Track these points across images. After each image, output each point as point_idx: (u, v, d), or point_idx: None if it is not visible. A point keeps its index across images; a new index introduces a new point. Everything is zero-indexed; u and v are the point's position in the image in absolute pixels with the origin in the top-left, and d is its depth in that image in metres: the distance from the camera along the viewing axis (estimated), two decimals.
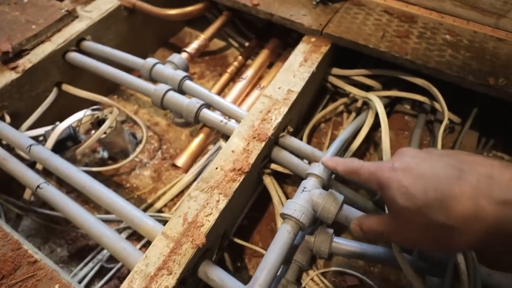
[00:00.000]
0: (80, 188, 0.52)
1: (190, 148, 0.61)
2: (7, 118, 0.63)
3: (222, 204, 0.45)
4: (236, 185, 0.47)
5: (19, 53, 0.66)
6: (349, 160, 0.37)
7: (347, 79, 0.74)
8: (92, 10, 0.76)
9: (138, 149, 0.70)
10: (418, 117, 0.71)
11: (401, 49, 0.61)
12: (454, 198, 0.26)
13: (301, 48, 0.66)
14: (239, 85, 0.71)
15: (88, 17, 0.74)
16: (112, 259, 0.62)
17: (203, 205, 0.45)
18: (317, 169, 0.49)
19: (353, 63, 0.77)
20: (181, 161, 0.59)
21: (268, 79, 0.74)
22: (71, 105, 0.77)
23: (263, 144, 0.52)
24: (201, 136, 0.62)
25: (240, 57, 0.81)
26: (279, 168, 0.58)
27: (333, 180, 0.54)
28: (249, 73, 0.73)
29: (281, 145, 0.57)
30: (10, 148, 0.62)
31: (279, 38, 0.81)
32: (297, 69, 0.62)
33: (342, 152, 0.65)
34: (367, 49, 0.62)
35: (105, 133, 0.67)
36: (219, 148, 0.71)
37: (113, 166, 0.70)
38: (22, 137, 0.58)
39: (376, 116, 0.63)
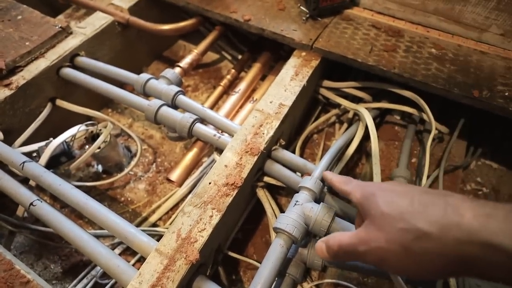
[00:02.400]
0: (74, 205, 0.52)
1: (184, 162, 0.61)
2: (0, 135, 0.63)
3: (215, 220, 0.46)
4: (229, 200, 0.48)
5: (13, 69, 0.66)
6: (344, 176, 0.40)
7: (338, 91, 0.76)
8: (86, 26, 0.77)
9: (133, 163, 0.71)
10: (408, 128, 0.73)
11: (389, 63, 0.63)
12: (439, 207, 0.26)
13: (292, 62, 0.67)
14: (232, 99, 0.72)
15: (82, 33, 0.75)
16: (106, 274, 0.61)
17: (196, 221, 0.46)
18: (308, 182, 0.50)
19: (345, 75, 0.79)
20: (175, 175, 0.60)
21: (261, 92, 0.75)
22: (65, 119, 0.78)
23: (255, 158, 0.52)
24: (194, 150, 0.63)
25: (233, 70, 0.82)
26: (272, 181, 0.58)
27: (325, 193, 0.55)
28: (241, 86, 0.74)
29: (273, 158, 0.58)
30: (2, 164, 0.62)
31: (271, 51, 0.83)
32: (288, 83, 0.63)
33: (334, 162, 0.66)
34: (356, 63, 0.64)
35: (99, 148, 0.67)
36: (213, 161, 0.72)
37: (108, 180, 0.70)
38: (14, 154, 0.58)
39: (367, 127, 0.64)
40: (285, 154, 0.58)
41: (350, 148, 0.62)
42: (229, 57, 0.96)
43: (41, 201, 0.53)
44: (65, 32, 0.73)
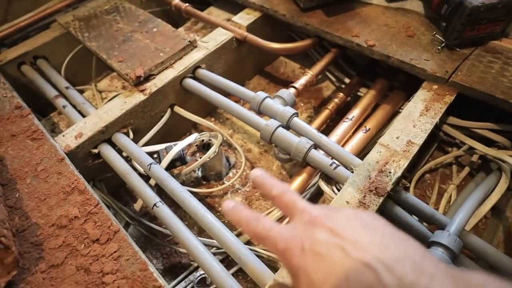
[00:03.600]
0: (191, 214, 0.54)
1: (293, 187, 0.60)
2: (131, 134, 0.71)
3: None
4: None
5: (148, 77, 0.74)
6: (254, 219, 0.28)
7: (466, 130, 0.67)
8: (209, 41, 0.82)
9: (236, 176, 0.72)
10: None
11: None
12: None
13: (421, 96, 0.61)
14: (344, 126, 0.68)
15: (205, 47, 0.80)
16: (202, 282, 0.63)
17: None
18: (446, 239, 0.44)
19: (465, 111, 0.69)
20: None
21: (374, 121, 0.70)
22: (176, 124, 0.84)
23: (381, 199, 0.48)
24: (303, 176, 0.61)
25: (341, 94, 0.79)
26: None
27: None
28: (355, 113, 0.70)
29: (394, 200, 0.53)
30: (127, 159, 0.69)
31: (386, 79, 0.77)
32: (417, 119, 0.58)
33: None
34: (506, 104, 0.55)
35: (209, 157, 0.70)
36: (315, 185, 0.70)
37: (214, 189, 0.73)
38: (143, 155, 0.64)
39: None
40: (409, 198, 0.52)
41: (487, 204, 0.53)
42: (333, 79, 0.94)
43: (163, 204, 0.56)
44: (192, 45, 0.80)
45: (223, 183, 0.79)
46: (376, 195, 0.49)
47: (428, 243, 0.46)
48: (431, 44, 0.66)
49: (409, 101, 0.62)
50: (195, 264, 0.66)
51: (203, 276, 0.63)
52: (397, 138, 0.55)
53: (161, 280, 0.42)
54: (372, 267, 0.21)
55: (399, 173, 0.50)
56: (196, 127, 0.92)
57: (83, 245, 0.45)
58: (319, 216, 0.26)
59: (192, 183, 0.81)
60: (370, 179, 0.50)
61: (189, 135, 0.90)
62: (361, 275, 0.21)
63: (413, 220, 0.51)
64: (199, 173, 0.82)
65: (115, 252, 0.44)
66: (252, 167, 0.81)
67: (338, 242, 0.23)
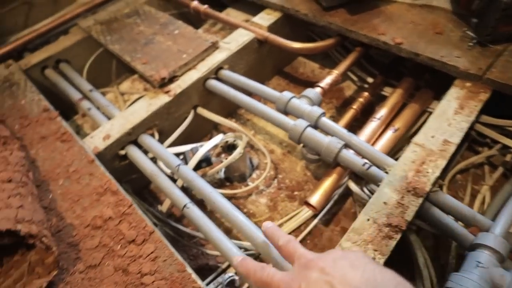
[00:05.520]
0: (222, 214, 0.54)
1: (323, 187, 0.59)
2: (156, 135, 0.71)
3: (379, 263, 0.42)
4: (393, 243, 0.43)
5: (172, 79, 0.74)
6: (260, 268, 0.35)
7: (499, 129, 0.65)
8: (230, 42, 0.82)
9: (261, 177, 0.72)
10: None
11: None
12: None
13: (454, 94, 0.60)
14: (372, 125, 0.67)
15: (227, 48, 0.80)
16: (231, 284, 0.62)
17: None
18: (493, 241, 0.42)
19: (495, 110, 0.67)
20: (314, 199, 0.58)
21: (402, 121, 0.69)
22: (197, 125, 0.84)
23: (420, 200, 0.47)
24: (334, 176, 0.60)
25: (366, 93, 0.78)
26: (425, 226, 0.52)
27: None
28: (382, 112, 0.69)
29: (431, 201, 0.51)
30: (152, 161, 0.68)
31: (413, 77, 0.76)
32: (452, 117, 0.56)
33: None
34: None
35: (235, 158, 0.70)
36: (344, 185, 0.69)
37: (239, 190, 0.72)
38: (171, 156, 0.64)
39: None
40: (447, 199, 0.51)
41: None
42: (355, 78, 0.92)
43: (193, 205, 0.56)
44: (214, 46, 0.79)
45: (247, 185, 0.78)
46: (414, 196, 0.47)
47: (471, 246, 0.44)
48: (461, 41, 0.65)
49: (440, 100, 0.60)
50: (223, 266, 0.65)
51: (232, 278, 0.62)
52: (432, 137, 0.54)
53: (200, 282, 0.42)
54: None
55: (437, 173, 0.49)
56: (217, 128, 0.91)
57: (120, 245, 0.45)
58: (312, 259, 0.31)
59: (216, 184, 0.80)
60: (407, 179, 0.49)
61: (210, 136, 0.90)
62: None
63: (453, 222, 0.49)
64: (222, 174, 0.82)
65: (151, 253, 0.44)
66: (276, 168, 0.80)
67: (328, 279, 0.28)
